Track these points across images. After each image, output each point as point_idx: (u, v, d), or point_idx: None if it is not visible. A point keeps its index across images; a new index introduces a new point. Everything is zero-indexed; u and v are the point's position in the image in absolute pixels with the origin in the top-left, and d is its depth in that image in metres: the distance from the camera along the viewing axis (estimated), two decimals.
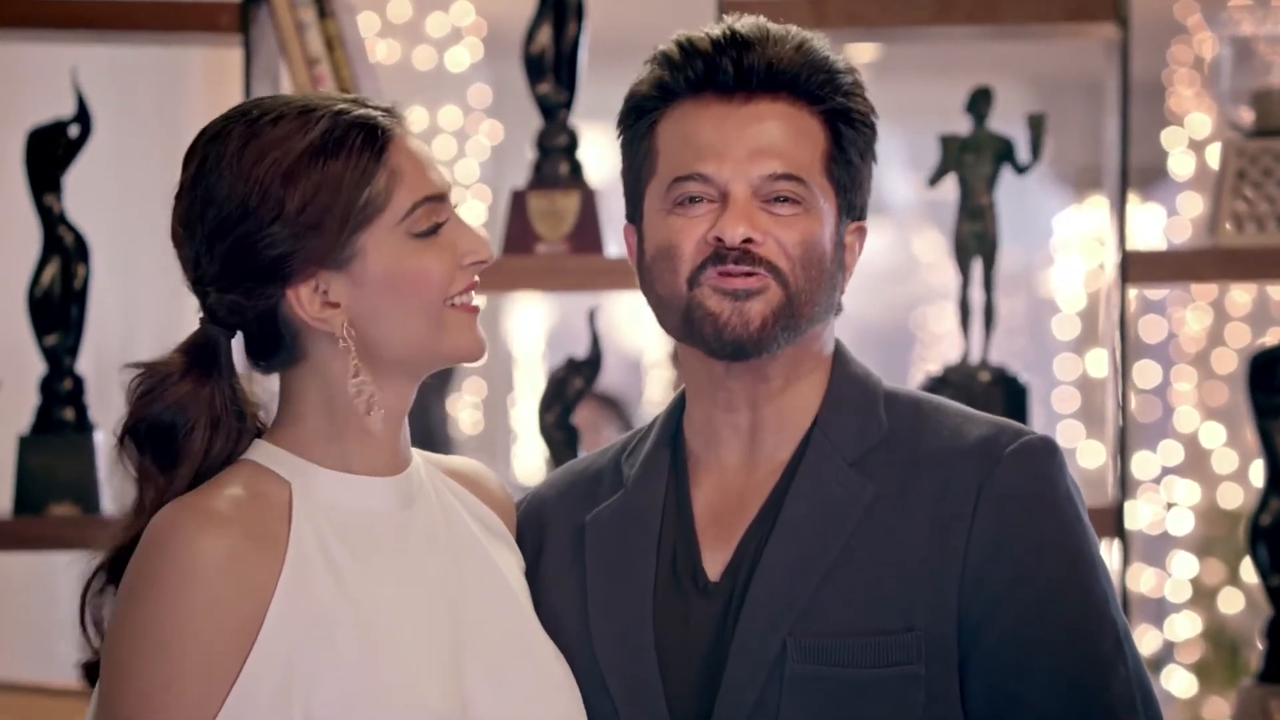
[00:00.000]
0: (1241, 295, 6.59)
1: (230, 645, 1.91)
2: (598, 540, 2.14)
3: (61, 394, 3.43)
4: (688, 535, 2.12)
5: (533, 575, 2.16)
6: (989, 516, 2.03)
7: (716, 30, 2.10)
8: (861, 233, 2.15)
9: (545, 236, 3.42)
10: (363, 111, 2.00)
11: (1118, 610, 2.06)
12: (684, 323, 2.09)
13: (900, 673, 2.02)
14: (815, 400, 2.13)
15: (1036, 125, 3.36)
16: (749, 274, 2.06)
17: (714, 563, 2.10)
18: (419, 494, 2.07)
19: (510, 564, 2.14)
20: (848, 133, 2.10)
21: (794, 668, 2.02)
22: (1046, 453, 2.07)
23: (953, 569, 2.02)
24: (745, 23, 2.11)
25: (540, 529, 2.20)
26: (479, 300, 2.06)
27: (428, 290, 1.99)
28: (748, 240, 2.05)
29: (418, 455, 2.11)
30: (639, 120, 2.13)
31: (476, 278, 2.03)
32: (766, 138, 2.07)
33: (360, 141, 1.97)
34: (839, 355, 2.16)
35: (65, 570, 4.07)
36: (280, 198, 1.96)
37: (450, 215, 2.02)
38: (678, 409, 2.20)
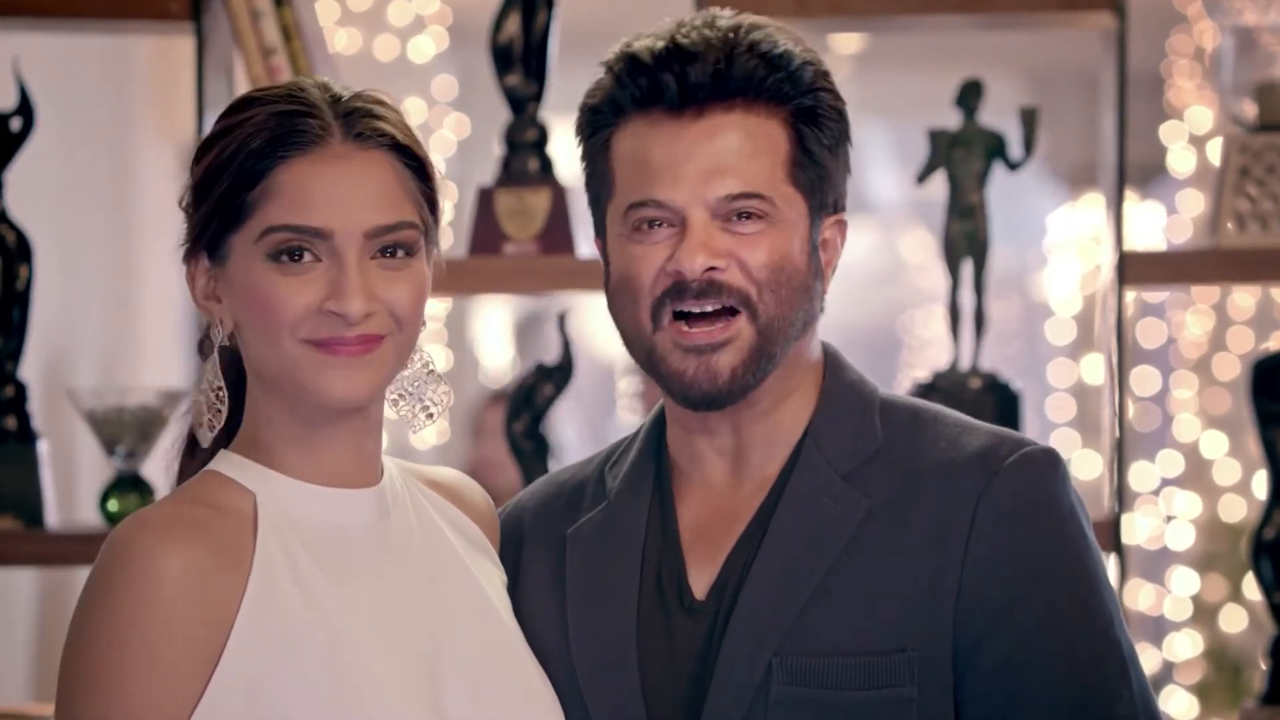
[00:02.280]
0: (1244, 298, 6.61)
1: (193, 667, 1.90)
2: (579, 555, 2.14)
3: (2, 401, 3.42)
4: (673, 551, 2.12)
5: (512, 590, 2.16)
6: (987, 532, 2.03)
7: (660, 41, 2.07)
8: (841, 226, 2.14)
9: (514, 236, 3.42)
10: (298, 119, 1.98)
11: (1123, 631, 2.05)
12: (649, 368, 2.10)
13: (892, 695, 2.01)
14: (806, 410, 2.12)
15: (1029, 119, 3.37)
16: (712, 322, 2.05)
17: (700, 580, 2.10)
18: (394, 506, 2.07)
19: (492, 578, 2.14)
20: (812, 131, 2.08)
21: (780, 689, 2.02)
22: (1048, 465, 2.07)
23: (948, 587, 2.02)
24: (691, 27, 2.08)
25: (519, 542, 2.20)
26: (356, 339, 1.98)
27: (271, 320, 1.97)
28: (710, 269, 2.05)
29: (394, 465, 2.11)
30: (594, 134, 2.12)
31: (346, 330, 1.97)
32: (721, 155, 2.06)
33: (258, 146, 1.97)
34: (832, 362, 2.15)
35: (8, 587, 4.06)
36: (193, 169, 2.02)
37: (336, 256, 1.97)
38: (662, 417, 2.19)
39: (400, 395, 2.08)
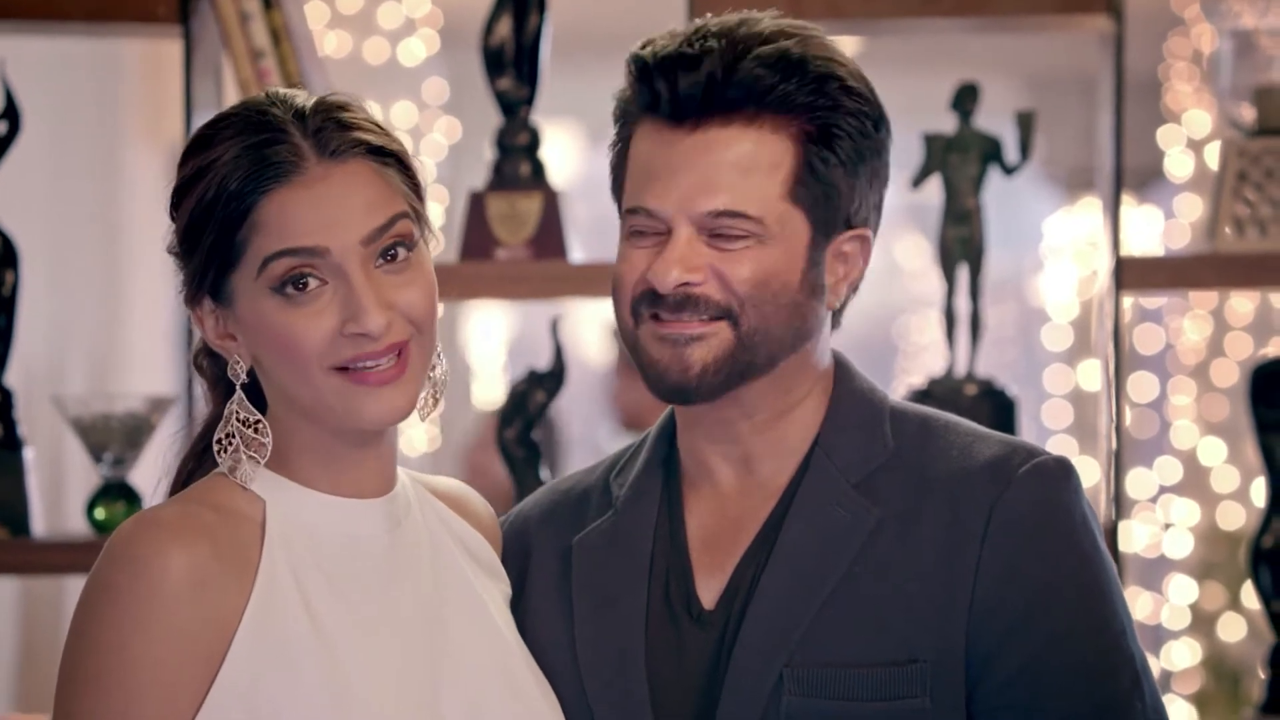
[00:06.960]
0: (1242, 304, 6.61)
1: (194, 670, 1.90)
2: (585, 565, 2.14)
3: None
4: (681, 560, 2.12)
5: (517, 602, 2.16)
6: (999, 542, 2.03)
7: (668, 47, 2.05)
8: (863, 241, 2.10)
9: (505, 241, 3.42)
10: (267, 149, 1.96)
11: (1135, 643, 2.06)
12: (635, 361, 2.11)
13: (904, 706, 2.01)
14: (816, 419, 2.12)
15: (1026, 123, 3.37)
16: (689, 320, 2.04)
17: (709, 590, 2.10)
18: (405, 516, 2.07)
19: (493, 592, 2.14)
20: (823, 146, 2.05)
21: (791, 700, 2.02)
22: (1061, 475, 2.07)
23: (961, 598, 2.02)
24: (707, 32, 2.04)
25: (524, 552, 2.19)
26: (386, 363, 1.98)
27: (295, 356, 1.96)
28: (685, 284, 2.04)
29: (404, 474, 2.10)
30: (619, 131, 2.12)
31: (373, 346, 1.96)
32: (712, 170, 2.03)
33: (236, 187, 1.95)
34: (841, 370, 2.15)
35: None
36: (174, 215, 2.00)
37: (340, 274, 1.96)
38: (671, 424, 2.19)
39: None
